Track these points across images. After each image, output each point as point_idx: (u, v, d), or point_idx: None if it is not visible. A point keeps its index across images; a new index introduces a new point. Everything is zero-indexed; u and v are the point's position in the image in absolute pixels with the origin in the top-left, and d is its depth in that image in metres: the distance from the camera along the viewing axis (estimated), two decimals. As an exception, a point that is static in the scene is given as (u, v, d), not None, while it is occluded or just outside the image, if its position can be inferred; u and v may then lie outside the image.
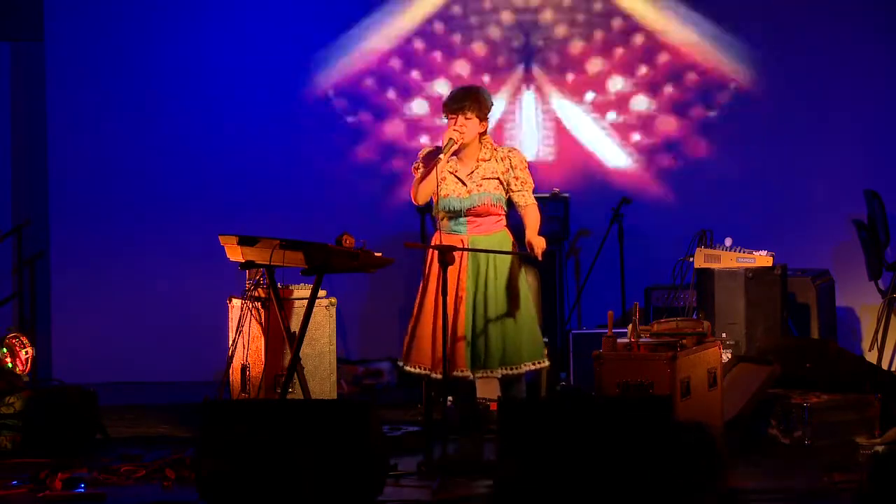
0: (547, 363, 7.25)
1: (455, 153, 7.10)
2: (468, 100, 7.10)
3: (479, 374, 7.14)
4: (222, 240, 7.44)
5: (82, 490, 6.40)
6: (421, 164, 7.22)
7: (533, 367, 7.16)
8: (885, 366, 8.49)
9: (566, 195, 9.55)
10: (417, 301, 7.29)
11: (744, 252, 8.02)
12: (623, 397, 6.67)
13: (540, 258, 7.04)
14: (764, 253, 8.03)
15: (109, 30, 10.04)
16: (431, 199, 7.17)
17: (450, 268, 6.66)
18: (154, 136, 10.04)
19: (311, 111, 10.04)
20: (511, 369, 7.10)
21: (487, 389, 7.30)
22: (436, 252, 7.05)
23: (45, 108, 10.08)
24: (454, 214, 7.09)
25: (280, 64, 10.03)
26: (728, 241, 8.10)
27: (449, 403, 7.05)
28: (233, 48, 10.04)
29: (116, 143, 10.04)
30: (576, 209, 9.63)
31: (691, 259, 8.13)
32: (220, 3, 10.08)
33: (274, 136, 10.04)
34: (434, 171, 7.00)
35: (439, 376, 7.01)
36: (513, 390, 7.19)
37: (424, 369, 7.09)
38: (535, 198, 7.28)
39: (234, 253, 7.40)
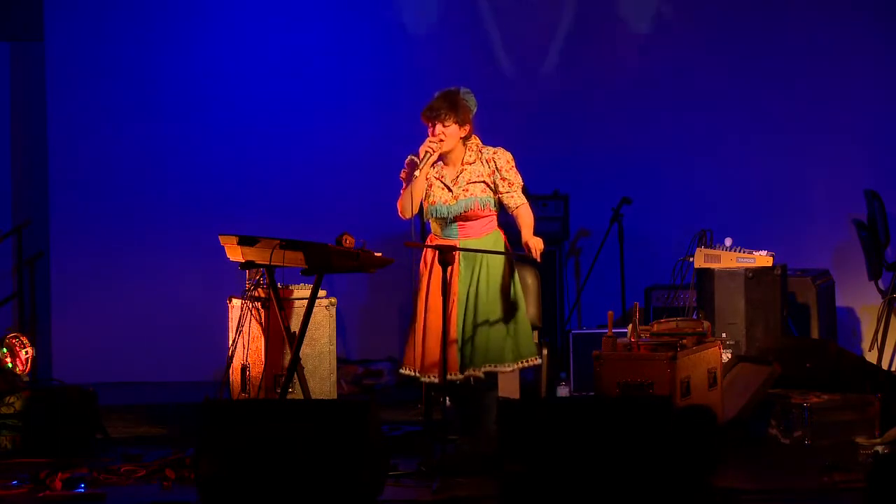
0: (539, 361, 7.15)
1: (440, 158, 7.01)
2: (444, 106, 6.97)
3: (466, 373, 7.04)
4: (222, 240, 7.44)
5: (82, 490, 6.40)
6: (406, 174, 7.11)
7: (525, 365, 7.09)
8: (885, 366, 8.49)
9: (566, 195, 9.54)
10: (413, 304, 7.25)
11: (744, 252, 8.03)
12: (623, 397, 6.67)
13: (538, 259, 7.00)
14: (764, 253, 8.04)
15: (109, 30, 10.03)
16: (421, 205, 7.08)
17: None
18: (154, 136, 10.03)
19: (310, 111, 10.04)
20: (495, 367, 7.01)
21: (506, 389, 7.25)
22: (428, 254, 7.03)
23: (45, 108, 10.08)
24: (443, 221, 7.03)
25: (279, 64, 10.03)
26: (728, 241, 8.11)
27: (448, 405, 7.03)
28: (233, 48, 10.04)
29: (116, 142, 10.04)
30: (576, 209, 9.62)
31: (691, 259, 8.13)
32: (219, 4, 10.08)
33: (273, 136, 10.03)
34: (414, 187, 6.94)
35: (427, 380, 6.99)
36: (490, 390, 7.08)
37: (414, 371, 7.05)
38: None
39: (234, 253, 7.40)
